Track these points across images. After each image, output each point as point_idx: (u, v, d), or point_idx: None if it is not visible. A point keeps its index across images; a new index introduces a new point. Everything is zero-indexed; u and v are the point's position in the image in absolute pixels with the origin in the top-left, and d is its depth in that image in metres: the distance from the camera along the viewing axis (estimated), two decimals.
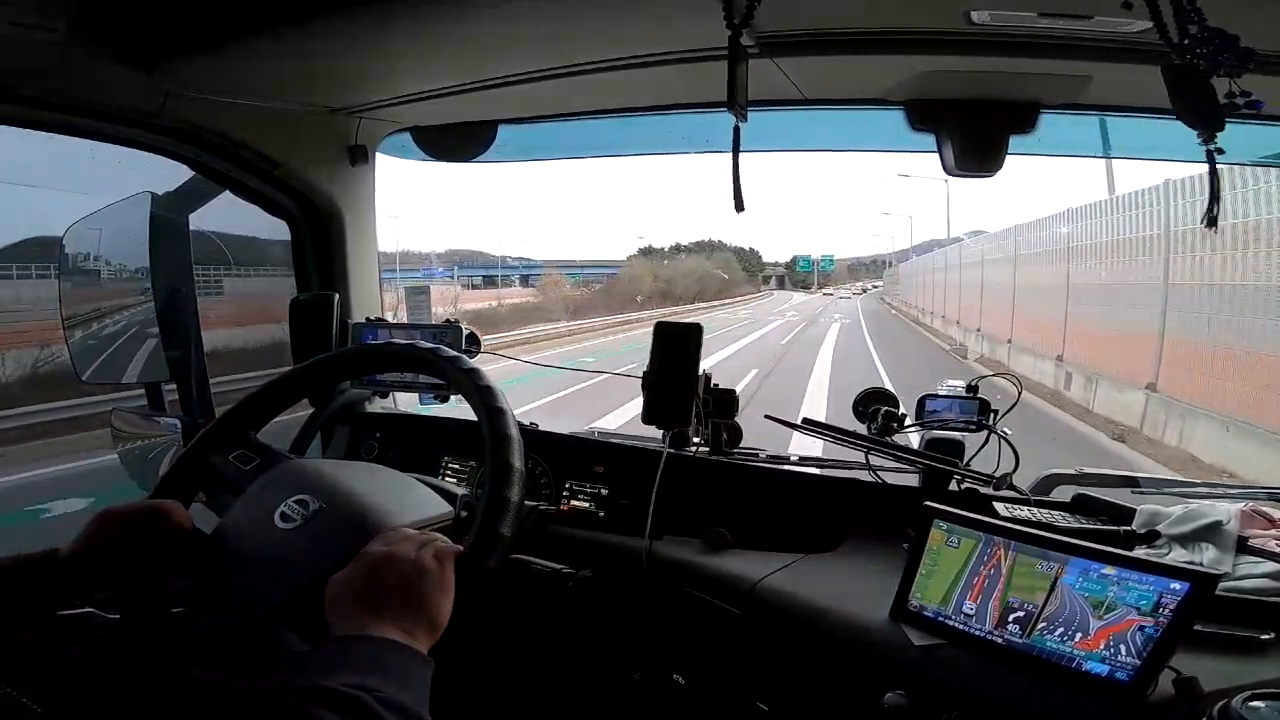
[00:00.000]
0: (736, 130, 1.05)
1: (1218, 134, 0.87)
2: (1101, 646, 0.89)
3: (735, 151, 1.06)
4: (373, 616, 0.71)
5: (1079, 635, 0.91)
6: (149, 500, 0.90)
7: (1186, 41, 0.81)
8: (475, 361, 1.01)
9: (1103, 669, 0.89)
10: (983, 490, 1.36)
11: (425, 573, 0.76)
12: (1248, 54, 0.79)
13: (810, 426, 1.49)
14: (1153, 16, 0.82)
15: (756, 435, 1.61)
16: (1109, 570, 0.89)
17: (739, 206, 1.08)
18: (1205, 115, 0.86)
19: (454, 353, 0.99)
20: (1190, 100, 0.86)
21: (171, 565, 0.85)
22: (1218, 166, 0.91)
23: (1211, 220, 0.97)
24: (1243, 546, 1.14)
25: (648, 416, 1.47)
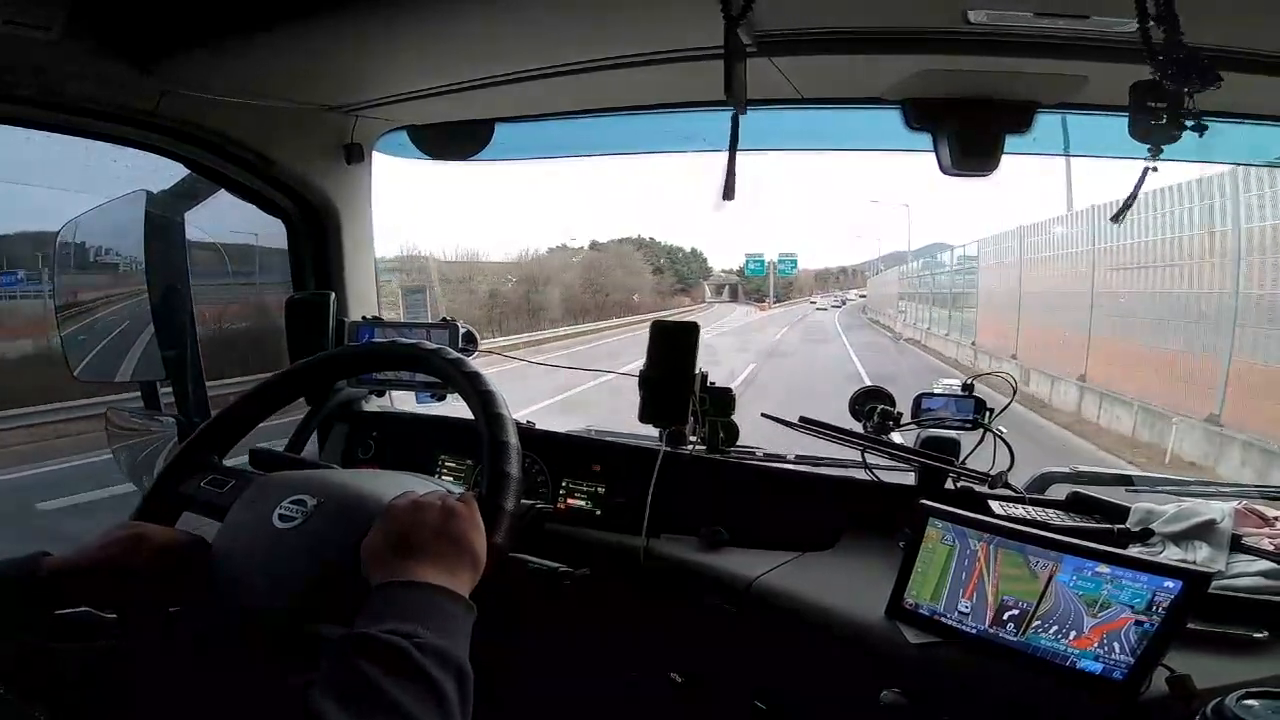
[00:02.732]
0: (735, 120, 1.06)
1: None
2: (1095, 644, 0.90)
3: (733, 144, 1.08)
4: (412, 562, 0.71)
5: (1073, 633, 0.91)
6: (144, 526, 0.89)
7: (1163, 58, 0.82)
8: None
9: (1097, 667, 0.90)
10: (978, 489, 1.36)
11: (455, 513, 0.78)
12: (1213, 73, 0.81)
13: (807, 425, 1.49)
14: (1139, 23, 0.83)
15: (753, 434, 1.60)
16: (1103, 568, 0.90)
17: (729, 194, 1.09)
18: (1160, 130, 0.91)
19: (435, 345, 0.99)
20: (1152, 115, 0.90)
21: (170, 591, 0.85)
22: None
23: (1116, 218, 1.05)
24: (1237, 545, 1.15)
25: (645, 415, 1.47)
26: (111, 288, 1.85)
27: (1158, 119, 0.90)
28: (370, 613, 0.66)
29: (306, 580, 0.79)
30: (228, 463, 1.03)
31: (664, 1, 1.10)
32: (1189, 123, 0.88)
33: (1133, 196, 1.02)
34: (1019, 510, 1.27)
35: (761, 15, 1.00)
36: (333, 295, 1.74)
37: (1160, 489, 1.38)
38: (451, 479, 1.61)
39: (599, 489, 1.53)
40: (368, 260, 1.91)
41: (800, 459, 1.59)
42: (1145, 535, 1.20)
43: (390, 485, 0.89)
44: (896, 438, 1.50)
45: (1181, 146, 0.93)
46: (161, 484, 0.98)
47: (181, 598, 0.84)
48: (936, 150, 1.42)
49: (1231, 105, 1.29)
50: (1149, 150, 0.93)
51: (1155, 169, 0.95)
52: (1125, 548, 1.13)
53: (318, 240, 1.81)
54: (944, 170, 1.42)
